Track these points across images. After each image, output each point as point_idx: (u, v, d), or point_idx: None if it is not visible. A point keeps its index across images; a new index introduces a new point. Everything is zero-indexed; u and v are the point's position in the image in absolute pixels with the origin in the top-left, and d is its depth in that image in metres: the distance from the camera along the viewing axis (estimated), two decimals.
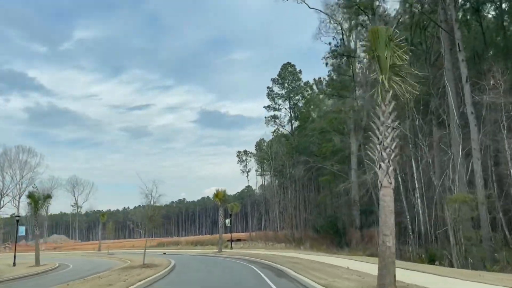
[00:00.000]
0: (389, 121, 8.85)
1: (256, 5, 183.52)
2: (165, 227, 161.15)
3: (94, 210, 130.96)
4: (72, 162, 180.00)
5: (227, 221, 48.13)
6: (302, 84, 58.90)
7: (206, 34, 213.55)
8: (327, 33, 37.16)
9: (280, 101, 59.21)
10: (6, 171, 79.17)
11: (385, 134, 8.81)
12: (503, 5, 29.96)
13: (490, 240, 18.25)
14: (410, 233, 25.29)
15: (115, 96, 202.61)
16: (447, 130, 22.74)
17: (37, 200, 31.42)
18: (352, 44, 37.64)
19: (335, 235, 41.09)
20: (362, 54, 39.90)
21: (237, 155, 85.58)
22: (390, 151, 8.77)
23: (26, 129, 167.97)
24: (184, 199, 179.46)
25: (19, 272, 24.53)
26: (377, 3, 27.90)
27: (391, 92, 8.82)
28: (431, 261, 21.96)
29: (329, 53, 33.04)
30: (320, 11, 35.88)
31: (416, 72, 9.13)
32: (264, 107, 59.33)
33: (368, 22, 28.86)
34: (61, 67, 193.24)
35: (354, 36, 38.92)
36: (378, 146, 8.89)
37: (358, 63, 39.32)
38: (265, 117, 59.58)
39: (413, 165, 26.03)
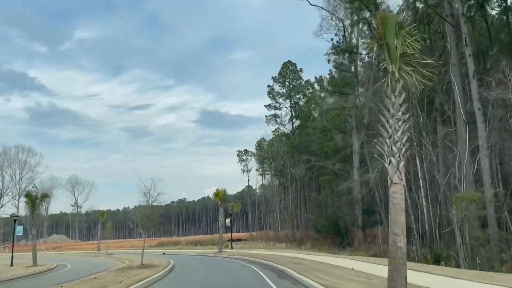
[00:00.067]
0: (399, 113, 8.34)
1: (256, 5, 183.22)
2: (165, 227, 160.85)
3: (94, 210, 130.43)
4: (73, 162, 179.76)
5: (228, 220, 47.66)
6: (303, 82, 58.35)
7: (206, 34, 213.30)
8: (328, 30, 36.72)
9: (281, 100, 58.70)
10: (5, 171, 78.84)
11: (395, 127, 8.30)
12: (508, 1, 29.42)
13: (498, 240, 17.72)
14: (414, 232, 24.77)
15: (115, 96, 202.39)
16: (453, 127, 22.20)
17: (34, 200, 30.94)
18: (354, 42, 37.19)
19: (336, 235, 40.61)
20: (364, 52, 39.60)
21: (238, 155, 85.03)
22: (400, 145, 8.26)
23: (27, 129, 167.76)
24: (185, 199, 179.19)
25: (16, 272, 24.17)
26: None
27: (401, 83, 8.31)
28: (436, 261, 21.43)
29: (331, 48, 32.54)
30: (322, 8, 35.45)
31: (431, 59, 8.57)
32: (265, 105, 58.83)
33: (370, 18, 28.32)
34: (62, 67, 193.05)
35: (356, 34, 38.45)
36: (387, 140, 8.37)
37: (360, 61, 38.88)
38: (266, 116, 59.11)
39: (417, 163, 25.51)
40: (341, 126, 40.89)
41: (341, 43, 32.57)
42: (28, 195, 31.90)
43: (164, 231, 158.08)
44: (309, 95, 56.82)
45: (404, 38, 8.33)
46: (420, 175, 25.20)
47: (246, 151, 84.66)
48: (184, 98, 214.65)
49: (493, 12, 31.73)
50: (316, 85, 55.64)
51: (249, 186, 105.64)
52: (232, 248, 42.63)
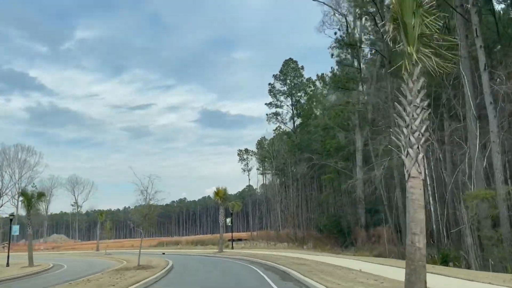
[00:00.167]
0: (418, 100, 7.56)
1: (256, 4, 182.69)
2: (165, 227, 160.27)
3: (94, 210, 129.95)
4: (73, 162, 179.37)
5: (228, 220, 46.92)
6: (304, 80, 57.59)
7: (207, 34, 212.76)
8: (331, 25, 36.00)
9: (282, 98, 57.94)
10: (5, 170, 78.41)
11: (413, 116, 7.52)
12: None
13: (511, 240, 16.91)
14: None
15: (116, 96, 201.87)
16: (461, 123, 21.41)
17: (30, 198, 30.20)
18: (357, 37, 36.42)
19: (339, 234, 39.92)
20: (367, 48, 38.84)
21: (238, 154, 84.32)
22: (419, 135, 7.48)
23: (27, 129, 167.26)
24: (185, 198, 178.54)
25: (11, 273, 23.58)
26: None
27: (419, 66, 7.53)
28: (444, 262, 20.65)
29: (335, 42, 31.74)
30: (324, 3, 34.76)
31: (451, 38, 7.79)
32: (266, 104, 58.10)
33: (374, 12, 27.54)
34: (62, 67, 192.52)
35: (358, 29, 37.73)
36: (405, 130, 7.59)
37: (363, 58, 38.15)
38: (267, 114, 58.38)
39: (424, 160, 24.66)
40: (343, 123, 40.15)
41: (345, 37, 31.80)
42: (23, 194, 31.17)
43: (165, 231, 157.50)
44: (311, 92, 56.03)
45: (422, 17, 7.55)
46: (427, 173, 24.42)
47: (246, 150, 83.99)
48: (184, 98, 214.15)
49: (499, 7, 30.97)
50: (318, 83, 54.84)
51: (249, 186, 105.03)
52: (232, 248, 41.92)
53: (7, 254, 31.29)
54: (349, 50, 32.27)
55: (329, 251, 32.20)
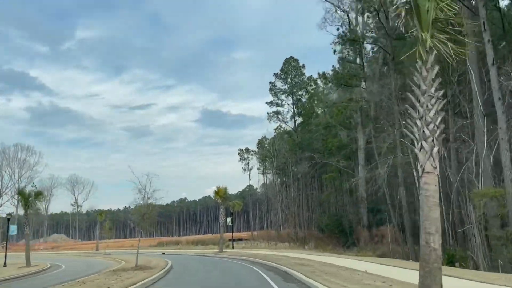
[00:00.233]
0: (433, 89, 7.03)
1: (256, 4, 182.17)
2: (166, 227, 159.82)
3: (95, 210, 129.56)
4: (73, 162, 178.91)
5: (229, 219, 46.45)
6: (305, 79, 56.99)
7: (207, 34, 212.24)
8: (333, 22, 35.52)
9: (283, 97, 57.39)
10: (4, 170, 77.94)
11: (427, 106, 6.99)
12: None
13: None
14: None
15: (116, 96, 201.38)
16: (468, 119, 20.86)
17: (27, 197, 29.70)
18: (359, 34, 35.89)
19: (340, 234, 39.41)
20: (368, 48, 38.32)
21: (239, 153, 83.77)
22: (434, 127, 6.95)
23: (28, 128, 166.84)
24: (185, 198, 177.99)
25: (7, 273, 23.17)
26: None
27: (434, 53, 7.00)
28: (450, 262, 20.11)
29: (337, 37, 31.21)
30: (326, 0, 34.26)
31: (471, 22, 7.26)
32: (267, 102, 57.56)
33: (378, 6, 26.99)
34: (63, 67, 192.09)
35: (361, 27, 37.19)
36: (418, 122, 7.06)
37: (365, 56, 37.61)
38: (268, 113, 57.85)
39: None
40: (345, 121, 39.63)
41: (347, 33, 31.28)
42: (20, 193, 30.70)
43: (165, 230, 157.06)
44: (312, 91, 55.46)
45: (437, 0, 7.02)
46: None
47: (247, 149, 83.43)
48: (185, 98, 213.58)
49: (504, 3, 30.41)
50: (319, 81, 54.26)
51: (250, 186, 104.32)
52: (233, 248, 41.43)
53: (4, 254, 30.84)
54: (352, 47, 31.72)
55: (331, 251, 31.71)
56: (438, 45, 6.93)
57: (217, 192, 38.94)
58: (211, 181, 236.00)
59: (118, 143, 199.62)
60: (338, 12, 36.17)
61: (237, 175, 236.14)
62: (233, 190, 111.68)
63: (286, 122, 58.16)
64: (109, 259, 33.46)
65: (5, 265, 28.91)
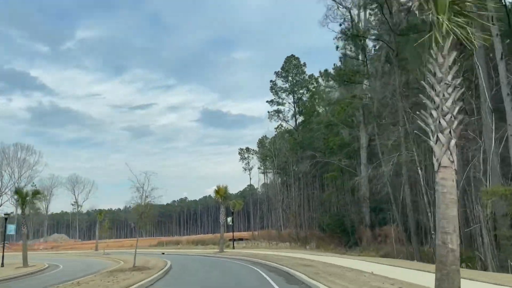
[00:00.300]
0: (449, 77, 6.51)
1: (257, 4, 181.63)
2: (166, 226, 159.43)
3: (95, 209, 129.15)
4: (73, 161, 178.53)
5: (229, 219, 45.94)
6: (306, 77, 56.46)
7: (207, 34, 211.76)
8: (335, 18, 34.99)
9: (283, 95, 56.84)
10: (4, 169, 77.47)
11: (443, 95, 6.47)
12: None
13: None
14: (433, 231, 22.89)
15: (116, 96, 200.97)
16: (475, 116, 20.31)
17: (25, 197, 29.25)
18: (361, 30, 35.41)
19: (342, 234, 38.88)
20: (370, 45, 37.80)
21: (239, 153, 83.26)
22: (451, 117, 6.45)
23: (28, 128, 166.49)
24: (186, 198, 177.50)
25: (4, 274, 22.80)
26: None
27: (451, 38, 6.48)
28: None
29: (340, 33, 30.69)
30: None
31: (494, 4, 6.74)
32: (267, 101, 57.04)
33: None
34: (63, 67, 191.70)
35: (363, 24, 36.68)
36: (434, 112, 6.54)
37: (367, 53, 37.13)
38: (268, 112, 57.35)
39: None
40: (347, 120, 39.09)
41: (350, 29, 30.75)
42: (18, 192, 30.24)
43: (165, 230, 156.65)
44: (313, 89, 54.91)
45: None
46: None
47: (248, 149, 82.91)
48: (185, 98, 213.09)
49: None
50: (320, 80, 53.73)
51: (250, 185, 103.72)
52: (234, 247, 40.94)
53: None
54: (354, 43, 31.17)
55: (332, 251, 31.23)
56: (456, 29, 6.40)
57: (217, 191, 38.42)
58: (212, 181, 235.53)
59: (118, 143, 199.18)
60: (340, 8, 35.72)
61: (237, 175, 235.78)
62: (233, 190, 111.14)
63: (287, 121, 57.67)
64: (108, 259, 33.00)
65: (2, 265, 28.53)
